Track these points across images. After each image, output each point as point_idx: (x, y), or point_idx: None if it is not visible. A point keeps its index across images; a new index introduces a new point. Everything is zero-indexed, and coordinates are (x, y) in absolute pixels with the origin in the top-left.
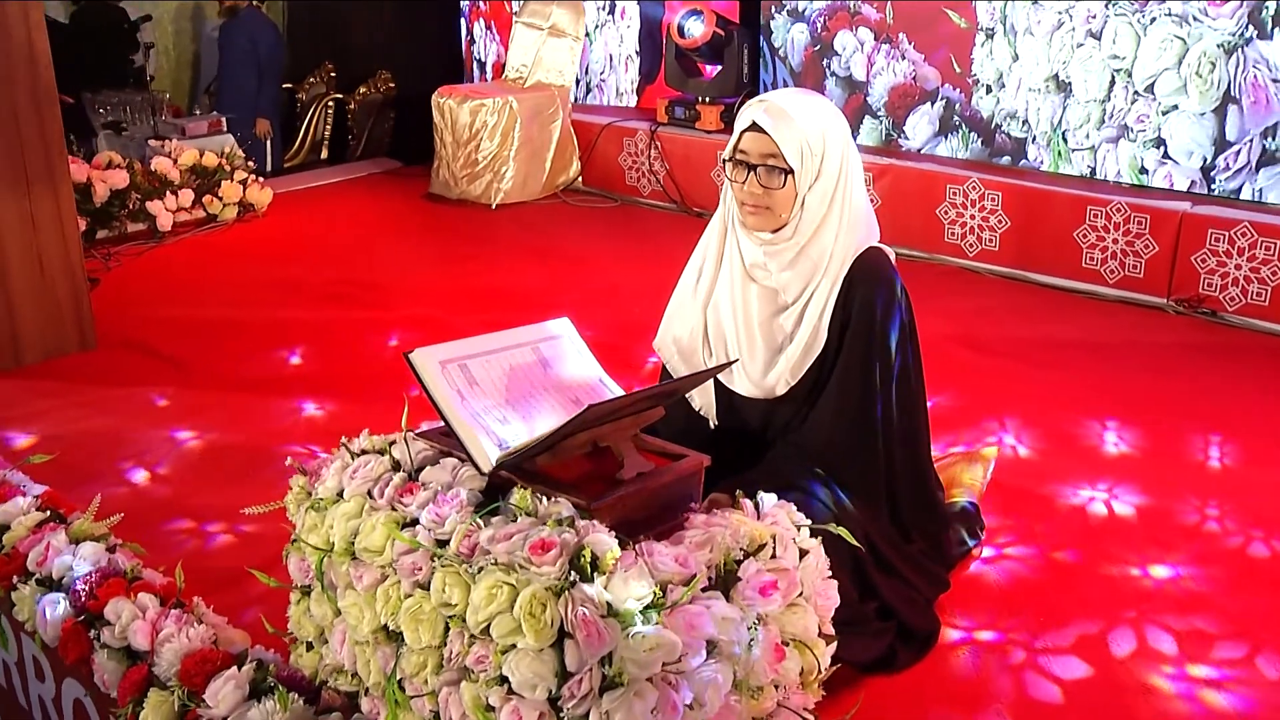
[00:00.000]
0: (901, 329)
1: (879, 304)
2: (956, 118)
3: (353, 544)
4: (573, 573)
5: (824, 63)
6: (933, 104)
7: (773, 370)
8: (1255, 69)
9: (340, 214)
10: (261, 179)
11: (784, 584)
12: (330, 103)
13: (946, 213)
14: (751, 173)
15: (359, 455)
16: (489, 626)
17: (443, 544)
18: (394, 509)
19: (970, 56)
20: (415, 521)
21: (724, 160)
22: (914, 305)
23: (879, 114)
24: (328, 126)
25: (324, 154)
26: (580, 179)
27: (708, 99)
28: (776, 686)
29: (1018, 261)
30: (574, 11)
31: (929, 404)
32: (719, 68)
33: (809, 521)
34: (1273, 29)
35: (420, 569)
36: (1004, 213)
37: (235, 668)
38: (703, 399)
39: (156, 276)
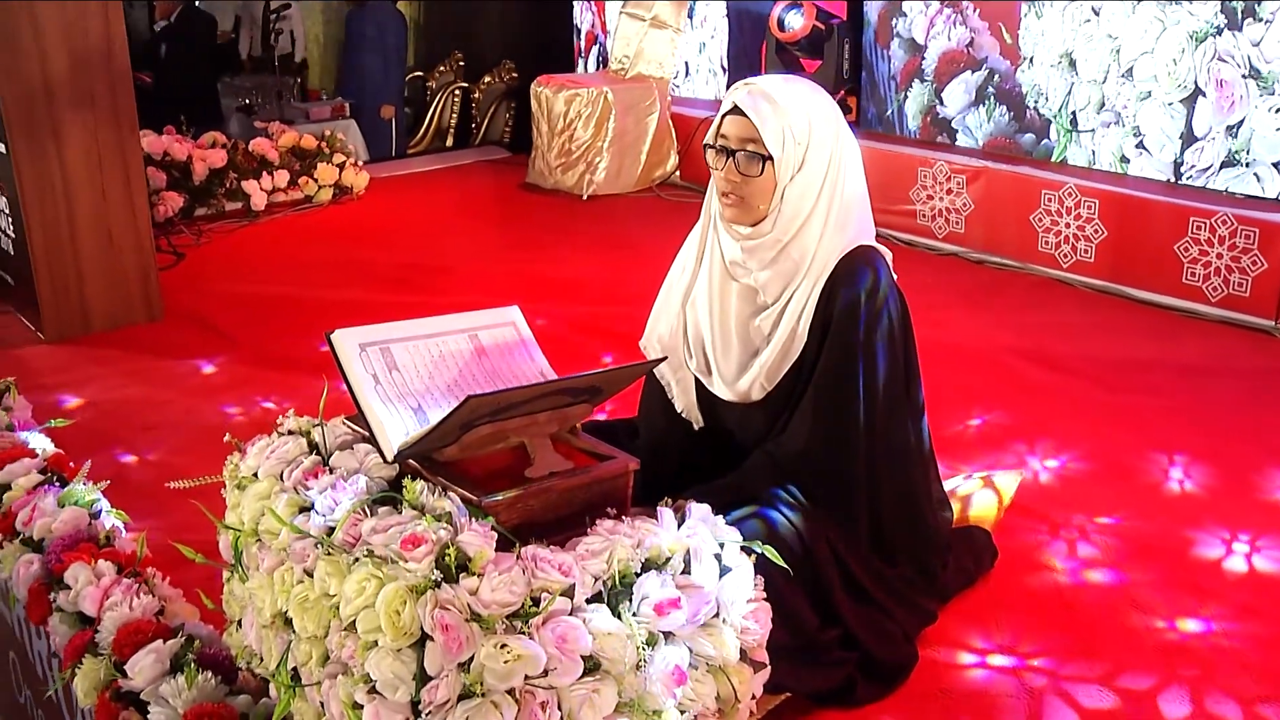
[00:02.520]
0: (890, 334)
1: (863, 306)
2: (991, 89)
3: (259, 525)
4: (439, 572)
5: (893, 22)
6: (973, 72)
7: (746, 374)
8: (1221, 61)
9: (433, 199)
10: (360, 162)
11: (693, 603)
12: (457, 91)
13: (1040, 220)
14: (730, 159)
15: (284, 435)
16: (356, 620)
17: (333, 532)
18: (297, 492)
19: (1019, 28)
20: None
21: (705, 145)
22: (990, 317)
23: (927, 79)
24: (454, 115)
25: (449, 141)
26: (678, 173)
27: None
28: (682, 711)
29: (1113, 275)
30: (676, 4)
31: (975, 422)
32: (820, 63)
33: (737, 537)
34: (1243, 20)
35: (309, 556)
36: (1100, 222)
37: (161, 641)
38: (684, 401)
39: (240, 254)
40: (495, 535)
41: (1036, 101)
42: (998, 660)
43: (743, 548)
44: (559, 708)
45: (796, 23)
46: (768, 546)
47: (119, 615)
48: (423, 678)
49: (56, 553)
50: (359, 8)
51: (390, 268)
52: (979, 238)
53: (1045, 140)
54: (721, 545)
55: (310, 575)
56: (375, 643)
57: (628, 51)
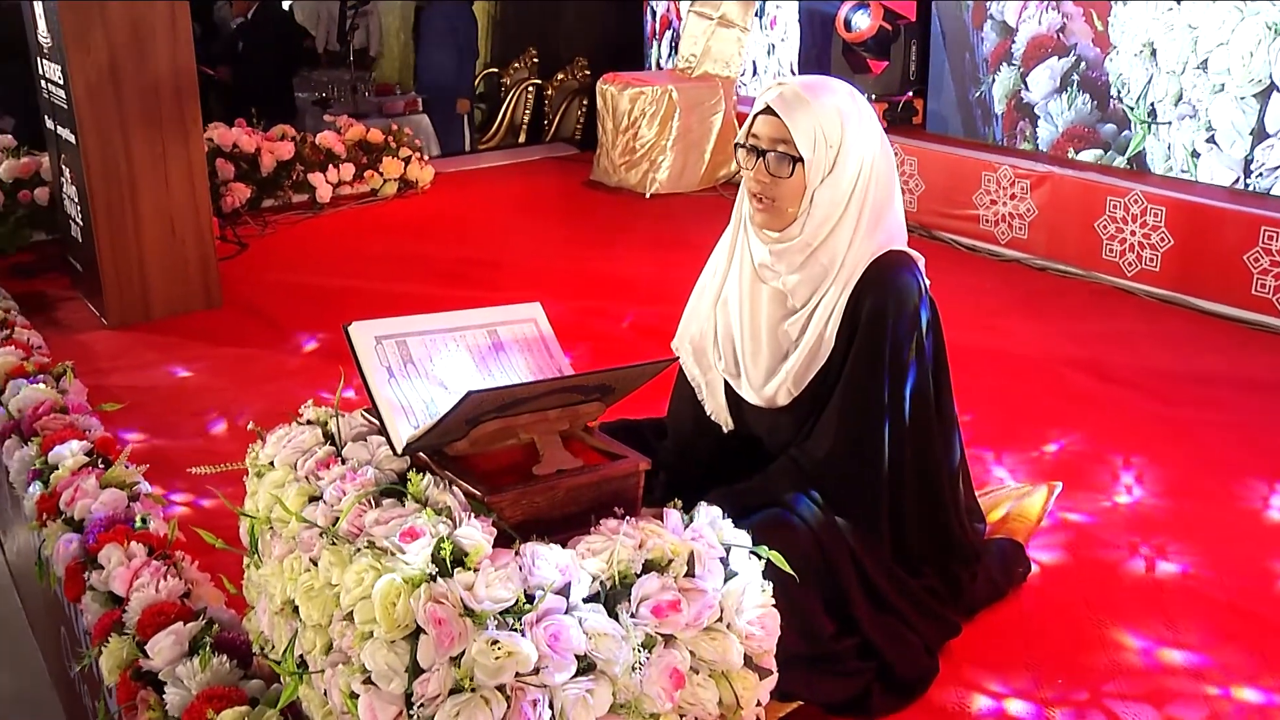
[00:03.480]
0: (918, 341)
1: (890, 312)
2: (1076, 76)
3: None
4: (434, 565)
5: (987, 5)
6: (1060, 58)
7: (774, 379)
8: None
9: (498, 195)
10: (426, 157)
11: (694, 606)
12: (530, 88)
13: (1105, 227)
14: (760, 159)
15: (303, 425)
16: (354, 610)
17: (338, 522)
18: (309, 481)
19: (1109, 15)
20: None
21: (736, 145)
22: (1047, 325)
23: (1015, 63)
24: (527, 111)
25: (522, 137)
26: None
27: (872, 96)
28: (682, 716)
29: (1179, 284)
30: (744, 3)
31: (1017, 430)
32: (886, 64)
33: (746, 541)
34: None
35: (315, 545)
36: (1167, 230)
37: (182, 623)
38: (713, 403)
39: (302, 245)
40: (494, 531)
41: (1120, 91)
42: (1016, 707)
43: (751, 552)
44: (550, 706)
45: (863, 23)
46: (774, 552)
47: (145, 596)
48: (415, 670)
49: (93, 533)
50: (430, 4)
51: (448, 262)
52: (1042, 244)
53: (1126, 131)
54: (728, 549)
55: (316, 564)
56: (371, 633)
57: (694, 50)
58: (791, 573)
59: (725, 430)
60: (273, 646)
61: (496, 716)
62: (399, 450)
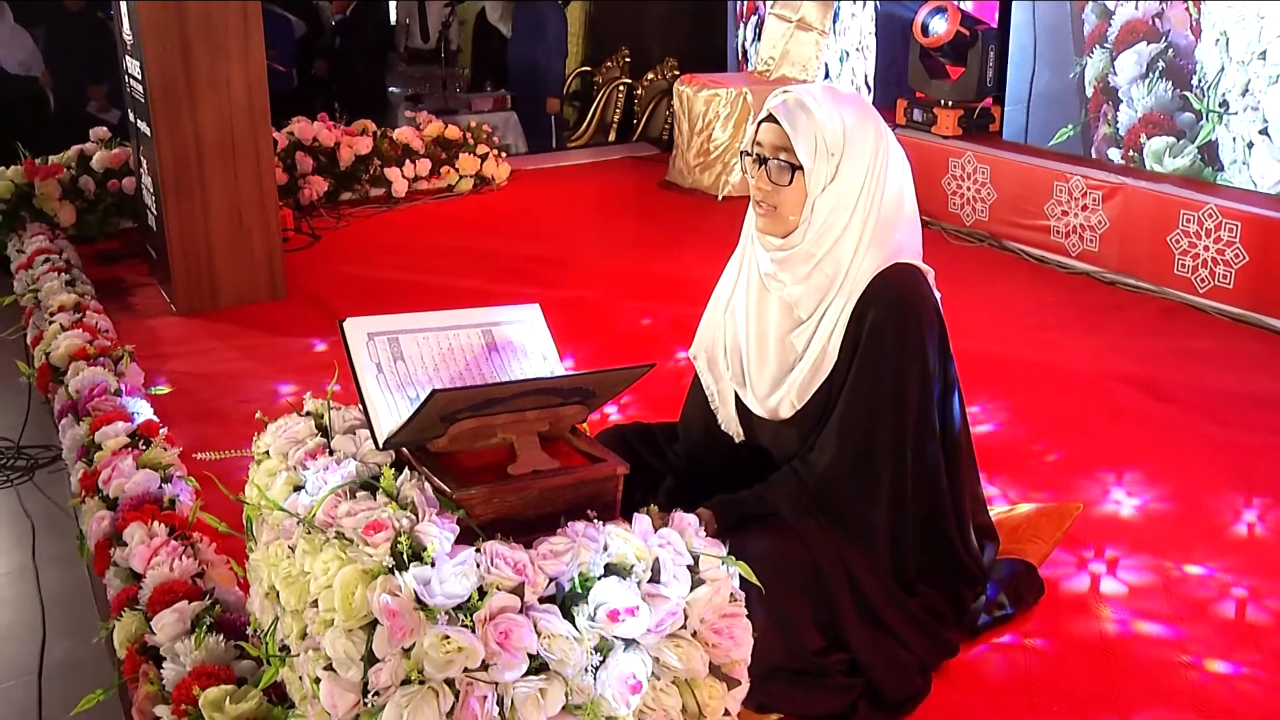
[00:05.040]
0: (922, 356)
1: (891, 327)
2: (1161, 63)
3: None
4: (392, 558)
5: None
6: (1149, 44)
7: (777, 391)
8: None
9: (571, 193)
10: (503, 154)
11: (658, 612)
12: (621, 87)
13: (1178, 241)
14: (763, 167)
15: (302, 416)
16: (319, 598)
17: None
18: (296, 471)
19: (1203, 4)
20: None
21: (741, 153)
22: (1107, 340)
23: (1108, 45)
24: (618, 110)
25: (612, 136)
26: None
27: (949, 102)
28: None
29: (1253, 303)
30: (823, 6)
31: (1044, 447)
32: (963, 70)
33: (718, 551)
34: None
35: (294, 533)
36: (1242, 246)
37: (186, 602)
38: (724, 412)
39: (373, 238)
40: (457, 528)
41: (1200, 80)
42: None
43: (723, 562)
44: (499, 703)
45: (940, 27)
46: (741, 563)
47: (159, 575)
48: (371, 659)
49: (123, 511)
50: (521, 3)
51: (511, 259)
52: (1113, 257)
53: (1202, 121)
54: (697, 557)
55: (295, 551)
56: (332, 621)
57: (773, 53)
58: (759, 584)
59: (737, 440)
60: (263, 629)
61: (444, 709)
62: (380, 445)
